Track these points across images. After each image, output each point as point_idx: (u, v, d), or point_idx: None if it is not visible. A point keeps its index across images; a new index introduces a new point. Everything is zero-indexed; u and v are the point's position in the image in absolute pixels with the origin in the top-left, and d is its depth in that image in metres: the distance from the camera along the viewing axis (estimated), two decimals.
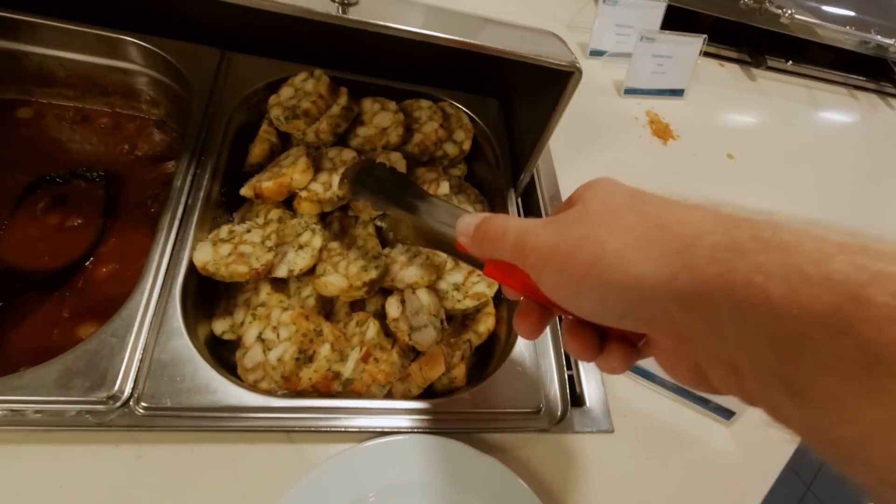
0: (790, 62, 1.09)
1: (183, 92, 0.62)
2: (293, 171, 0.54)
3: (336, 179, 0.55)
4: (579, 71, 0.50)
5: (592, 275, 0.25)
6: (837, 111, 1.10)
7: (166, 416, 0.40)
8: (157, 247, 0.48)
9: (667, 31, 0.86)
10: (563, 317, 0.31)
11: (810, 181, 0.90)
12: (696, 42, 0.87)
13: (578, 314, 0.28)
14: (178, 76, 0.61)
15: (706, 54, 1.02)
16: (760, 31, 1.02)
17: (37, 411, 0.38)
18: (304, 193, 0.54)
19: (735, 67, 1.07)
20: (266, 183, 0.54)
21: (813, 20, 1.02)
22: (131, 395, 0.40)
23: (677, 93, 0.91)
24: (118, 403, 0.39)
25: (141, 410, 0.40)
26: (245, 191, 0.55)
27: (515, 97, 0.70)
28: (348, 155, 0.58)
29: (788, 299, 0.19)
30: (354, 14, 0.44)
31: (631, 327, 0.26)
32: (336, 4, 0.44)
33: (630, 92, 0.88)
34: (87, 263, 0.56)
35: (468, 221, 0.33)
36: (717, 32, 1.01)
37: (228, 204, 0.57)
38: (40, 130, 0.64)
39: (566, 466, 0.49)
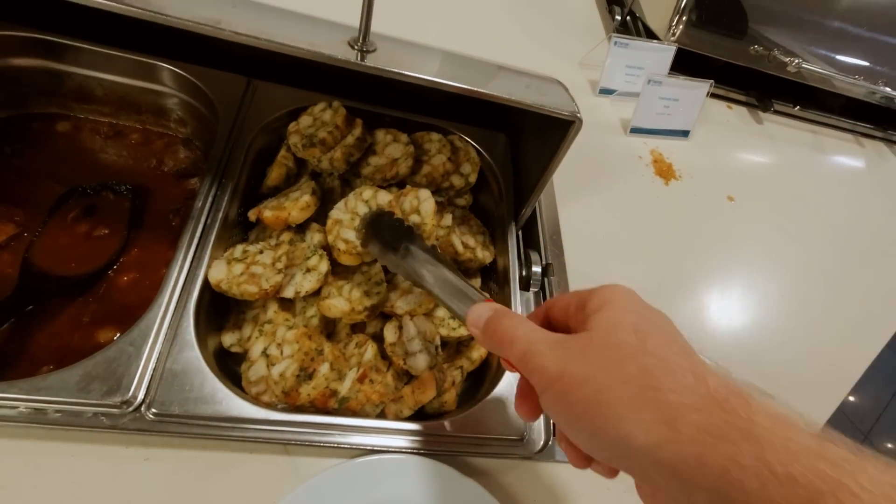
0: (798, 107, 1.11)
1: (210, 115, 0.67)
2: (293, 207, 0.58)
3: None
4: (579, 121, 0.53)
5: (587, 416, 0.28)
6: (843, 157, 1.11)
7: (174, 422, 0.43)
8: (176, 263, 0.52)
9: (674, 75, 0.89)
10: None
11: (811, 226, 0.92)
12: (702, 86, 0.90)
13: (569, 438, 0.31)
14: (207, 101, 0.65)
15: (714, 95, 1.05)
16: (769, 76, 1.04)
17: (57, 411, 0.42)
18: (342, 246, 0.54)
19: (742, 110, 1.09)
20: (267, 212, 0.57)
21: (821, 70, 1.04)
22: (143, 400, 0.43)
23: (682, 133, 0.94)
24: (131, 408, 0.43)
25: (151, 416, 0.43)
26: (251, 214, 0.59)
27: (522, 134, 0.73)
28: (384, 199, 0.57)
29: (757, 494, 0.22)
30: (372, 62, 0.48)
31: (615, 467, 0.31)
32: (356, 52, 0.48)
33: (636, 131, 0.91)
34: (110, 272, 0.60)
35: (479, 314, 0.36)
36: (727, 75, 1.04)
37: (244, 223, 0.61)
38: (76, 143, 0.68)
39: (546, 494, 0.51)
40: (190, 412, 0.44)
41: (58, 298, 0.56)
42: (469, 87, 0.51)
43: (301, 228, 0.60)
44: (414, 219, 0.56)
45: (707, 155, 0.95)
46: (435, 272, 0.44)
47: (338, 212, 0.57)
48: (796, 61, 0.97)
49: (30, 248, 0.58)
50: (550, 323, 0.36)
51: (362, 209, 0.56)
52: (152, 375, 0.45)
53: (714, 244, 0.82)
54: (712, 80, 0.91)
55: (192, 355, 0.47)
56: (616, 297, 0.31)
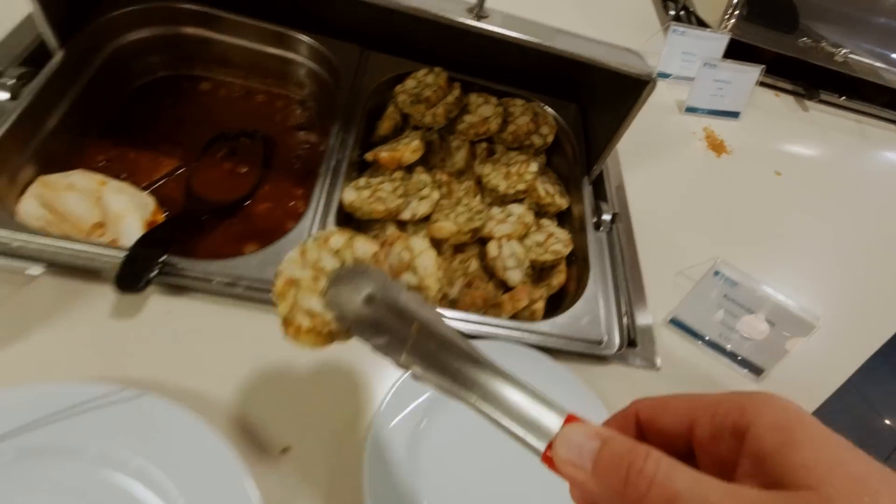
0: (843, 97, 1.18)
1: (330, 78, 0.79)
2: (406, 150, 0.69)
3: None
4: (654, 81, 0.63)
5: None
6: (887, 148, 1.17)
7: None
8: (316, 190, 0.63)
9: (728, 60, 0.98)
10: None
11: (851, 209, 0.98)
12: (754, 71, 0.99)
13: None
14: (330, 67, 0.78)
15: (763, 84, 1.13)
16: (816, 67, 1.12)
17: (246, 287, 0.53)
18: (305, 322, 0.36)
19: (789, 98, 1.17)
20: (383, 154, 0.69)
21: (868, 60, 1.11)
22: None
23: (733, 115, 1.03)
24: None
25: None
26: (367, 156, 0.71)
27: (593, 103, 0.83)
28: (365, 248, 0.39)
29: None
30: (486, 24, 0.59)
31: None
32: (474, 17, 0.59)
33: (690, 110, 1.00)
34: (250, 201, 0.72)
35: (577, 443, 0.23)
36: (775, 65, 1.12)
37: (360, 166, 0.73)
38: (216, 100, 0.82)
39: (617, 391, 0.60)
40: None
41: (213, 219, 0.68)
42: (568, 50, 0.61)
43: (408, 170, 0.71)
44: (408, 279, 0.40)
45: (755, 135, 1.03)
46: (479, 376, 0.28)
47: (291, 266, 0.38)
48: (843, 51, 1.05)
49: (190, 179, 0.70)
50: (644, 431, 0.26)
51: (329, 263, 0.38)
52: None
53: (761, 212, 0.90)
54: (764, 66, 0.99)
55: None
56: (806, 429, 0.21)
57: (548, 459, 0.24)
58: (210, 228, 0.68)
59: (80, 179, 0.62)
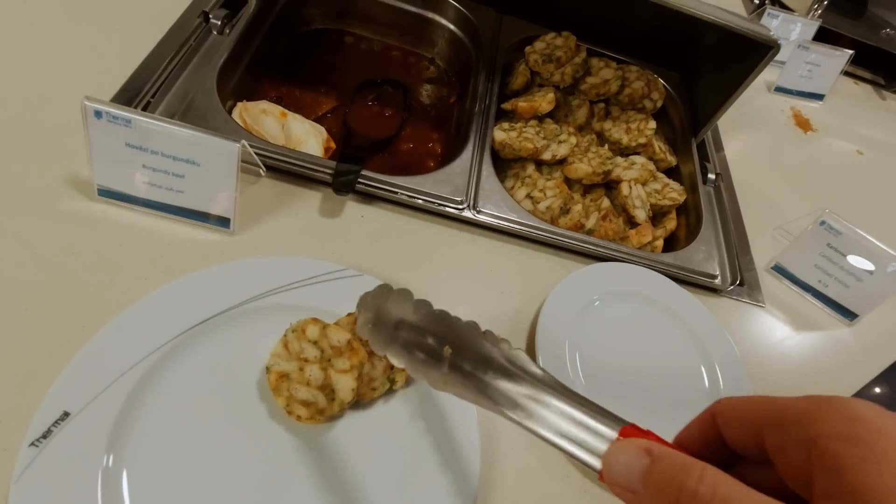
0: None
1: (465, 38, 0.88)
2: (542, 100, 0.77)
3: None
4: (778, 45, 0.71)
5: None
6: None
7: (489, 217, 0.64)
8: (473, 126, 0.72)
9: (819, 43, 1.04)
10: None
11: None
12: (843, 55, 1.05)
13: None
14: (469, 27, 0.86)
15: (844, 73, 1.18)
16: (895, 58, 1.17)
17: (423, 200, 0.62)
18: (302, 413, 0.43)
19: (868, 87, 1.23)
20: (522, 103, 0.77)
21: None
22: (471, 204, 0.64)
23: (818, 97, 1.09)
24: (464, 206, 0.63)
25: (475, 214, 0.63)
26: (506, 105, 0.79)
27: (697, 72, 0.91)
28: (339, 337, 0.44)
29: None
30: None
31: None
32: None
33: (779, 90, 1.06)
34: (395, 140, 0.81)
35: (624, 461, 0.22)
36: (857, 54, 1.18)
37: (497, 115, 0.81)
38: (358, 52, 0.91)
39: (727, 321, 0.68)
40: (500, 215, 0.64)
41: (367, 152, 0.77)
42: (701, 13, 0.69)
43: (539, 120, 0.79)
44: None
45: (837, 118, 1.09)
46: (520, 392, 0.27)
47: (278, 362, 0.44)
48: None
49: (346, 116, 0.80)
50: (715, 443, 0.25)
51: (311, 351, 0.44)
52: (475, 190, 0.65)
53: (847, 184, 0.97)
54: (853, 52, 1.05)
55: (494, 181, 0.67)
56: (888, 441, 0.18)
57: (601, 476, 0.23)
58: (368, 159, 0.77)
59: (269, 107, 0.71)
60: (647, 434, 0.23)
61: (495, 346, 0.30)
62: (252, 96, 0.74)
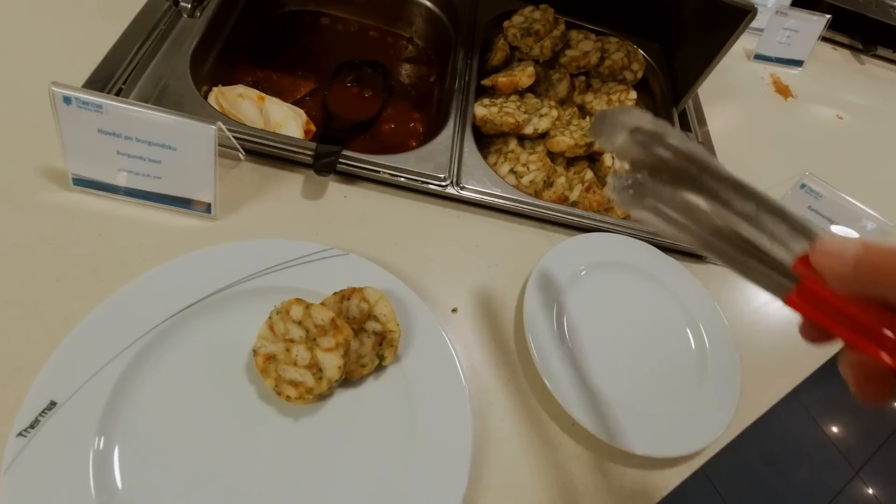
0: None
1: (443, 15, 0.87)
2: (522, 74, 0.77)
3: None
4: (755, 9, 0.70)
5: None
6: None
7: (475, 194, 0.63)
8: (453, 103, 0.72)
9: (796, 8, 1.04)
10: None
11: None
12: (821, 20, 1.05)
13: None
14: (449, 5, 0.85)
15: (822, 38, 1.19)
16: (873, 22, 1.18)
17: (405, 178, 0.62)
18: (291, 392, 0.43)
19: (846, 52, 1.23)
20: (502, 79, 0.77)
21: None
22: (453, 180, 0.64)
23: (797, 63, 1.09)
24: (447, 183, 0.63)
25: (458, 190, 0.63)
26: (486, 81, 0.79)
27: (677, 42, 0.90)
28: (322, 315, 0.45)
29: None
30: None
31: None
32: None
33: (759, 57, 1.07)
34: (376, 121, 0.80)
35: (839, 245, 0.24)
36: (835, 19, 1.18)
37: (477, 91, 0.81)
38: (334, 34, 0.90)
39: (712, 287, 0.69)
40: (484, 190, 0.64)
41: (350, 133, 0.77)
42: None
43: (520, 95, 0.79)
44: (372, 326, 0.47)
45: (817, 83, 1.10)
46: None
47: (265, 344, 0.44)
48: None
49: (325, 99, 0.79)
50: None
51: (296, 331, 0.44)
52: (458, 166, 0.65)
53: (827, 148, 0.97)
54: (830, 16, 1.05)
55: (477, 157, 0.67)
56: None
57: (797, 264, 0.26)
58: (349, 141, 0.76)
59: (245, 91, 0.70)
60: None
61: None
62: (227, 81, 0.73)
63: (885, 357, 0.23)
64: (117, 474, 0.39)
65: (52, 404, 0.39)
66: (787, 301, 0.26)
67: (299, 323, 0.45)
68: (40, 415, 0.38)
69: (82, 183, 0.52)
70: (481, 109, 0.72)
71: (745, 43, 1.09)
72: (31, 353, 0.42)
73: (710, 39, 0.80)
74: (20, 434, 0.37)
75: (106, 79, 0.58)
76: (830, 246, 0.25)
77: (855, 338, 0.24)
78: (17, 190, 0.51)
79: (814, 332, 0.27)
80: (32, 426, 0.38)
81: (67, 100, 0.47)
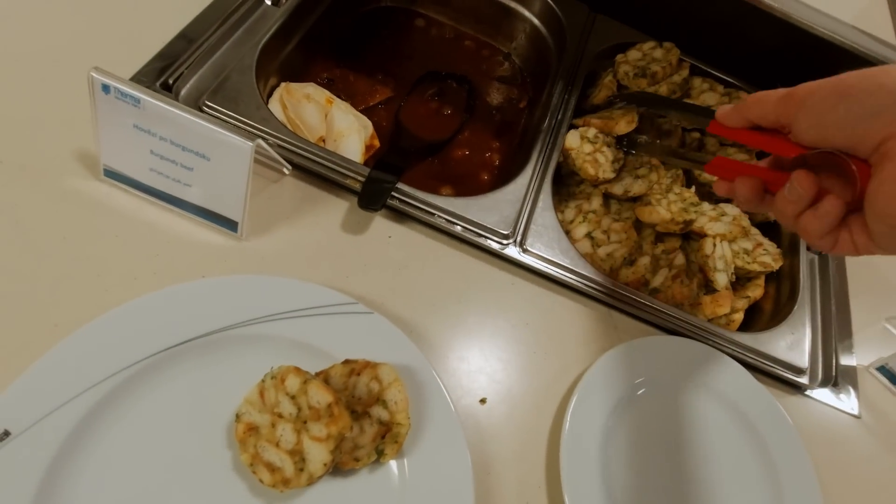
0: None
1: (548, 35, 0.76)
2: (621, 119, 0.65)
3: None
4: None
5: (868, 78, 0.32)
6: None
7: (537, 260, 0.54)
8: (537, 144, 0.62)
9: None
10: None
11: None
12: None
13: (822, 132, 0.34)
14: (557, 25, 0.75)
15: None
16: None
17: (462, 228, 0.54)
18: (266, 478, 0.37)
19: None
20: (595, 120, 0.66)
21: None
22: (518, 239, 0.54)
23: None
24: (509, 241, 0.54)
25: (521, 252, 0.54)
26: (577, 121, 0.68)
27: None
28: (320, 396, 0.37)
29: None
30: None
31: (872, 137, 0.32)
32: None
33: None
34: (449, 143, 0.72)
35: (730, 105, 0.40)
36: None
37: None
38: (427, 38, 0.82)
39: (808, 427, 0.56)
40: (550, 258, 0.54)
41: (417, 155, 0.69)
42: (838, 38, 0.55)
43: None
44: (378, 413, 0.40)
45: None
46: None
47: (250, 410, 0.39)
48: None
49: (399, 110, 0.72)
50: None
51: (287, 406, 0.38)
52: (526, 224, 0.55)
53: None
54: None
55: (550, 216, 0.57)
56: None
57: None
58: (414, 162, 0.69)
59: (314, 92, 0.64)
60: None
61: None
62: (300, 76, 0.67)
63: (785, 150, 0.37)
64: None
65: (6, 434, 0.35)
66: (709, 167, 0.43)
67: (293, 398, 0.38)
68: None
69: (113, 175, 0.47)
70: (574, 140, 0.62)
71: None
72: (10, 359, 0.38)
73: None
74: None
75: (167, 63, 0.54)
76: (724, 108, 0.41)
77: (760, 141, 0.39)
78: (48, 170, 0.47)
79: (722, 184, 0.42)
80: None
81: (106, 88, 0.42)
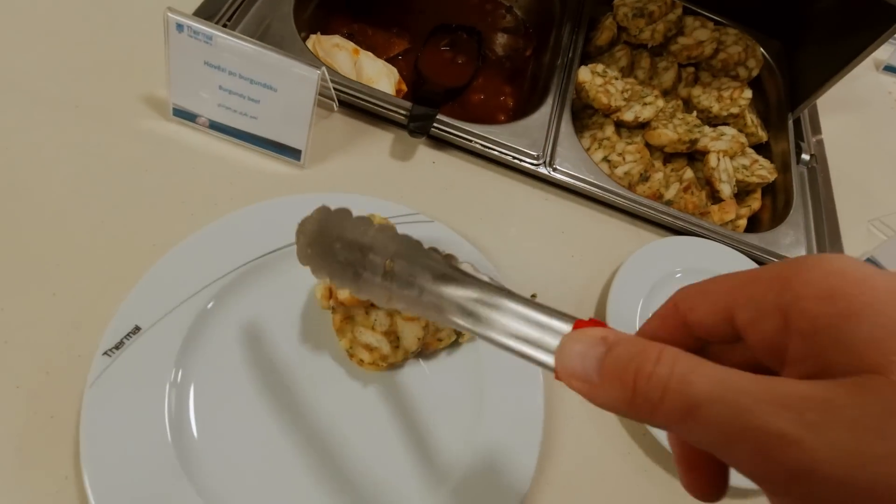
0: None
1: None
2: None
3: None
4: None
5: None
6: None
7: (566, 177, 0.60)
8: (554, 79, 0.68)
9: None
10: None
11: None
12: None
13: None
14: None
15: None
16: None
17: (498, 151, 0.59)
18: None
19: None
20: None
21: None
22: (548, 160, 0.60)
23: None
24: (540, 161, 0.60)
25: (552, 171, 0.60)
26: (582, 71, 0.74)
27: (804, 41, 0.82)
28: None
29: None
30: None
31: None
32: None
33: (889, 69, 0.96)
34: (466, 89, 0.77)
35: (581, 350, 0.19)
36: None
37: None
38: None
39: None
40: (577, 175, 0.60)
41: (440, 99, 0.74)
42: None
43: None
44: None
45: None
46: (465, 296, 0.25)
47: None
48: None
49: (418, 60, 0.76)
50: (689, 327, 0.21)
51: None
52: (553, 146, 0.61)
53: None
54: None
55: (573, 140, 0.63)
56: (868, 292, 0.16)
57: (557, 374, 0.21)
58: (442, 104, 0.73)
59: (342, 42, 0.68)
60: (603, 325, 0.21)
61: (440, 259, 0.27)
62: (325, 30, 0.71)
63: None
64: (191, 405, 0.39)
65: (137, 329, 0.39)
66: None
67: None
68: (125, 337, 0.39)
69: (181, 114, 0.51)
70: (586, 74, 0.68)
71: (877, 54, 0.99)
72: (120, 276, 0.42)
73: (843, 42, 0.72)
74: (106, 353, 0.38)
75: (213, 12, 0.58)
76: (564, 363, 0.20)
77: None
78: (119, 113, 0.51)
79: None
80: (117, 347, 0.38)
81: (180, 27, 0.46)
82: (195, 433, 0.38)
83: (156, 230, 0.46)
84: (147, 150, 0.50)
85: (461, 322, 0.25)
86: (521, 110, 0.75)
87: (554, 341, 0.21)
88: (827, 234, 0.69)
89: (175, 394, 0.38)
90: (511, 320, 0.23)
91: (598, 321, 0.21)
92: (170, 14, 0.46)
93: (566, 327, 0.21)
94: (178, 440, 0.37)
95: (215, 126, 0.52)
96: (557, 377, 0.20)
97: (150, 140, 0.50)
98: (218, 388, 0.40)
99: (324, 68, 0.48)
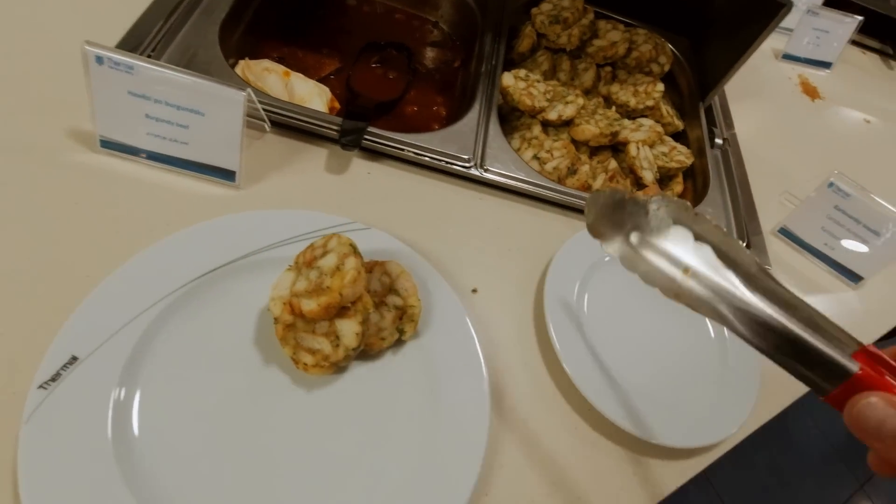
0: None
1: (471, 1, 0.86)
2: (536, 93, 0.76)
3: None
4: (790, 3, 0.69)
5: None
6: None
7: (498, 177, 0.63)
8: (479, 86, 0.71)
9: (828, 8, 1.03)
10: None
11: None
12: (852, 22, 1.03)
13: None
14: None
15: (852, 42, 1.17)
16: None
17: (428, 157, 0.61)
18: (308, 360, 0.43)
19: (876, 57, 1.21)
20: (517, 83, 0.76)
21: None
22: (478, 163, 0.63)
23: (826, 65, 1.08)
24: (471, 164, 0.63)
25: (482, 172, 0.63)
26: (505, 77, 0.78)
27: (706, 36, 0.89)
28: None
29: None
30: None
31: None
32: None
33: (787, 57, 1.05)
34: (399, 102, 0.80)
35: (879, 416, 0.23)
36: (866, 23, 1.16)
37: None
38: (360, 15, 0.89)
39: None
40: (508, 173, 0.63)
41: (373, 113, 0.76)
42: None
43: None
44: (393, 301, 0.47)
45: (845, 86, 1.08)
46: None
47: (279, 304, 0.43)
48: None
49: (349, 78, 0.78)
50: None
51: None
52: (483, 148, 0.64)
53: (854, 151, 0.96)
54: (862, 18, 1.04)
55: (502, 141, 0.66)
56: None
57: (832, 399, 0.25)
58: (372, 120, 0.76)
59: (272, 66, 0.70)
60: (880, 371, 0.24)
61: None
62: (254, 55, 0.73)
63: None
64: (135, 422, 0.39)
65: (74, 359, 0.39)
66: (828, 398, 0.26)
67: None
68: (62, 369, 0.38)
69: (109, 145, 0.51)
70: (510, 79, 0.71)
71: (773, 43, 1.08)
72: (54, 310, 0.42)
73: (740, 35, 0.79)
74: (41, 386, 0.37)
75: (136, 44, 0.58)
76: (857, 411, 0.24)
77: None
78: (45, 149, 0.51)
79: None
80: (53, 379, 0.38)
81: (100, 59, 0.47)
82: (142, 454, 0.38)
83: (90, 261, 0.46)
84: (76, 182, 0.50)
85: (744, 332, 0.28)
86: (455, 118, 0.78)
87: (839, 368, 0.26)
88: (744, 208, 0.75)
89: (117, 418, 0.38)
90: (787, 341, 0.27)
91: (869, 351, 0.25)
92: (87, 47, 0.46)
93: (848, 364, 0.26)
94: (124, 463, 0.37)
95: (146, 154, 0.52)
96: (828, 400, 0.26)
97: (80, 173, 0.50)
98: (161, 409, 0.40)
99: (249, 89, 0.49)
